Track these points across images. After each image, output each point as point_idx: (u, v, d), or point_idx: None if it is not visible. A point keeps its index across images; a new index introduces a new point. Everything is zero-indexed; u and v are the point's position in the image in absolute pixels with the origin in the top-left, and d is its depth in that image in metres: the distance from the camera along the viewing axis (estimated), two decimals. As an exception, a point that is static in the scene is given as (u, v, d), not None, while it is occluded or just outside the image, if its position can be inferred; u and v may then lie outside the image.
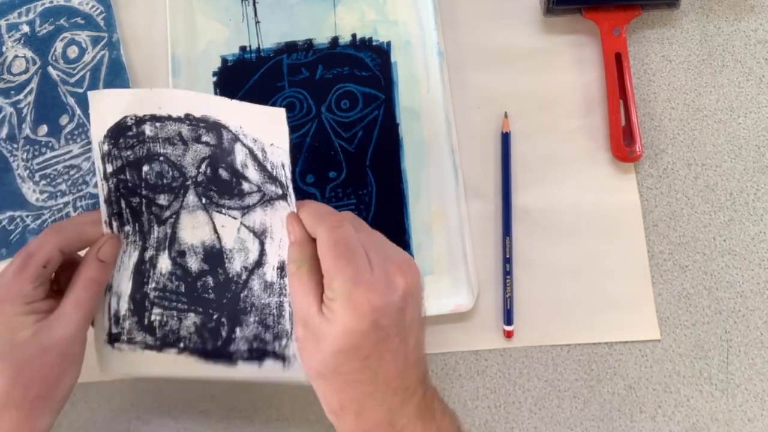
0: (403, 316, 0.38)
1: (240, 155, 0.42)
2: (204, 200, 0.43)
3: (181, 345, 0.44)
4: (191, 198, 0.44)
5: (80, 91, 0.56)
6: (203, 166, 0.43)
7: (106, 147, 0.43)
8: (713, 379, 0.51)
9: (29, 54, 0.57)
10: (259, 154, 0.42)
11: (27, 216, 0.55)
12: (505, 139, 0.54)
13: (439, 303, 0.51)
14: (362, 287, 0.36)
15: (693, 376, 0.51)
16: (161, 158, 0.43)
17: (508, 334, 0.52)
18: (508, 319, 0.52)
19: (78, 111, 0.56)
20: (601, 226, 0.53)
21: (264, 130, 0.41)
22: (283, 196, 0.42)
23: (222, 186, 0.43)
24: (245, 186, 0.43)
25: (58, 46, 0.57)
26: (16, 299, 0.40)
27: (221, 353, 0.43)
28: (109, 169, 0.43)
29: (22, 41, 0.57)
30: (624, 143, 0.54)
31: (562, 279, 0.53)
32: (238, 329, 0.43)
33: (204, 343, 0.44)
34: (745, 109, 0.56)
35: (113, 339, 0.44)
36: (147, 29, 0.57)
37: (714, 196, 0.54)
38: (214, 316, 0.43)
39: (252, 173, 0.42)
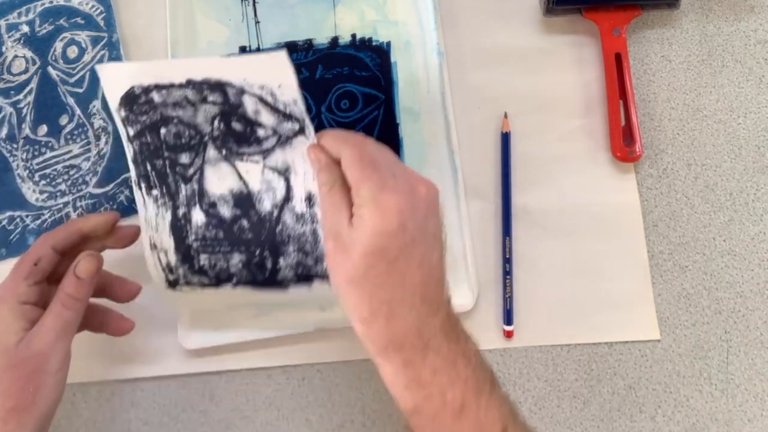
0: (427, 224, 0.39)
1: (250, 105, 0.43)
2: (224, 152, 0.45)
3: (235, 280, 0.46)
4: (211, 152, 0.45)
5: (80, 91, 0.56)
6: (216, 122, 0.44)
7: (123, 113, 0.45)
8: (713, 379, 0.51)
9: (29, 54, 0.57)
10: (269, 99, 0.43)
11: (27, 216, 0.55)
12: (505, 139, 0.54)
13: (439, 303, 0.51)
14: (388, 191, 0.38)
15: (693, 376, 0.51)
16: (175, 120, 0.45)
17: (508, 334, 0.52)
18: (508, 319, 0.52)
19: (78, 111, 0.56)
20: (601, 226, 0.53)
21: (269, 75, 0.42)
22: (301, 131, 0.43)
23: (238, 137, 0.44)
24: (260, 132, 0.44)
25: (58, 46, 0.57)
26: (11, 298, 0.42)
27: (272, 282, 0.46)
28: (131, 132, 0.45)
29: (22, 41, 0.57)
30: (624, 143, 0.54)
31: (561, 279, 0.53)
32: (281, 260, 0.46)
33: (254, 276, 0.46)
34: (745, 109, 0.56)
35: (173, 284, 0.47)
36: (147, 29, 0.57)
37: (714, 196, 0.54)
38: (256, 252, 0.46)
39: (266, 118, 0.44)
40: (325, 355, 0.52)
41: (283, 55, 0.41)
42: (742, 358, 0.51)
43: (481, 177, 0.54)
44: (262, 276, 0.46)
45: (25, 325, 0.42)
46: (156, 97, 0.44)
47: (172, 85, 0.44)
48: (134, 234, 0.48)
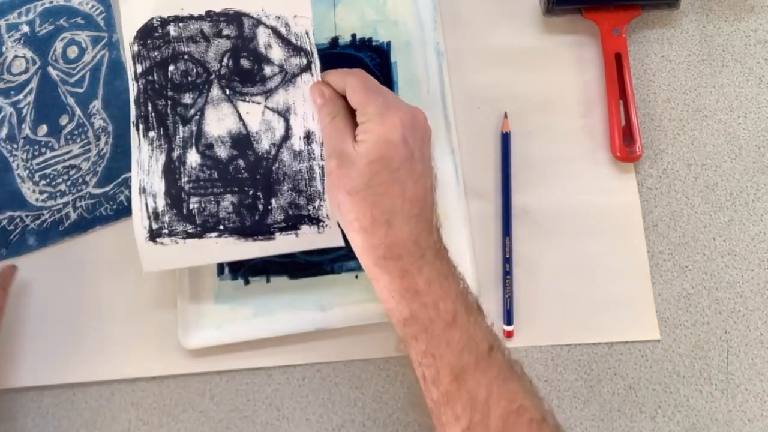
0: (424, 148, 0.43)
1: (263, 38, 0.46)
2: (228, 92, 0.47)
3: (221, 227, 0.46)
4: (215, 92, 0.47)
5: (80, 91, 0.56)
6: (225, 59, 0.47)
7: (135, 48, 0.47)
8: (713, 379, 0.51)
9: (29, 54, 0.57)
10: (283, 30, 0.46)
11: (27, 216, 0.55)
12: (505, 139, 0.54)
13: (439, 303, 0.51)
14: (392, 108, 0.42)
15: (693, 376, 0.51)
16: (185, 56, 0.47)
17: (508, 334, 0.52)
18: (508, 319, 0.52)
19: (78, 111, 0.56)
20: (601, 227, 0.53)
21: (286, 4, 0.46)
22: (307, 67, 0.46)
23: (244, 75, 0.47)
24: (267, 70, 0.46)
25: (58, 46, 0.57)
26: None
27: (259, 228, 0.46)
28: (139, 69, 0.47)
29: (22, 41, 0.57)
30: (624, 143, 0.54)
31: (562, 279, 0.53)
32: (273, 200, 0.46)
33: (243, 220, 0.46)
34: (745, 109, 0.56)
35: (154, 235, 0.47)
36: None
37: (714, 196, 0.54)
38: (250, 192, 0.46)
39: (275, 52, 0.46)
40: (325, 355, 0.52)
41: None
42: (742, 358, 0.51)
43: (481, 177, 0.54)
44: (251, 220, 0.46)
45: None
46: (172, 30, 0.47)
47: (191, 17, 0.47)
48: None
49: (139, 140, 0.47)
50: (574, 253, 0.53)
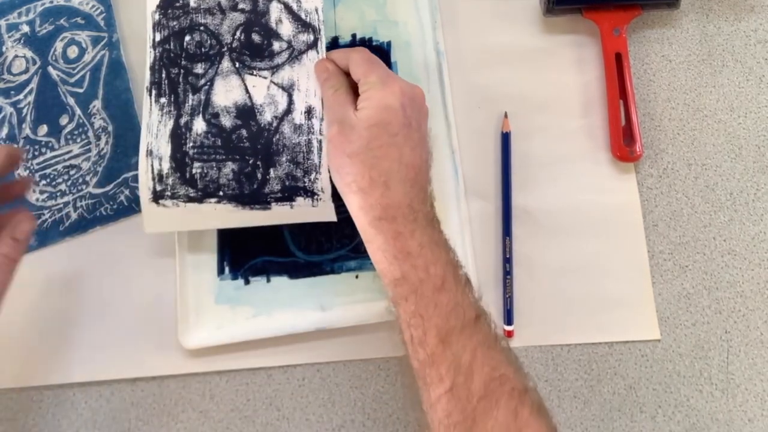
0: (421, 119, 0.45)
1: (275, 13, 0.50)
2: (237, 65, 0.49)
3: (221, 193, 0.48)
4: (225, 64, 0.49)
5: (80, 91, 0.56)
6: (238, 33, 0.50)
7: (156, 17, 0.51)
8: (713, 379, 0.51)
9: (29, 54, 0.57)
10: (294, 5, 0.50)
11: (27, 216, 0.54)
12: (505, 139, 0.54)
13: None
14: (392, 78, 0.45)
15: (693, 376, 0.51)
16: (201, 28, 0.50)
17: (508, 334, 0.52)
18: (508, 319, 0.52)
19: (78, 111, 0.56)
20: (601, 226, 0.53)
21: None
22: (314, 44, 0.49)
23: (254, 49, 0.50)
24: (276, 46, 0.49)
25: (58, 46, 0.57)
26: None
27: (257, 197, 0.48)
28: (158, 38, 0.50)
29: (22, 41, 0.57)
30: (624, 143, 0.54)
31: (562, 279, 0.53)
32: (272, 170, 0.48)
33: (241, 187, 0.48)
34: (745, 109, 0.56)
35: (158, 197, 0.49)
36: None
37: (714, 196, 0.54)
38: (250, 161, 0.48)
39: (285, 28, 0.50)
40: (325, 355, 0.52)
41: None
42: (742, 358, 0.51)
43: (481, 177, 0.54)
44: (250, 188, 0.48)
45: None
46: (192, 1, 0.50)
47: None
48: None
49: (151, 105, 0.50)
50: (573, 253, 0.53)
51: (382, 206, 0.42)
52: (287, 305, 0.52)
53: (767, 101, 0.56)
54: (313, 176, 0.48)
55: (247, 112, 0.49)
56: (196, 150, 0.49)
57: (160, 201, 0.48)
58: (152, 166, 0.49)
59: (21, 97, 0.56)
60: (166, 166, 0.49)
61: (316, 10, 0.50)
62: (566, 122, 0.55)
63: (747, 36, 0.57)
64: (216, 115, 0.49)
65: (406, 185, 0.42)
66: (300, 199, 0.48)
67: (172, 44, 0.50)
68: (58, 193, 0.55)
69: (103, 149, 0.55)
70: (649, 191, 0.54)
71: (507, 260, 0.52)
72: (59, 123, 0.56)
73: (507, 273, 0.52)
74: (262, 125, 0.49)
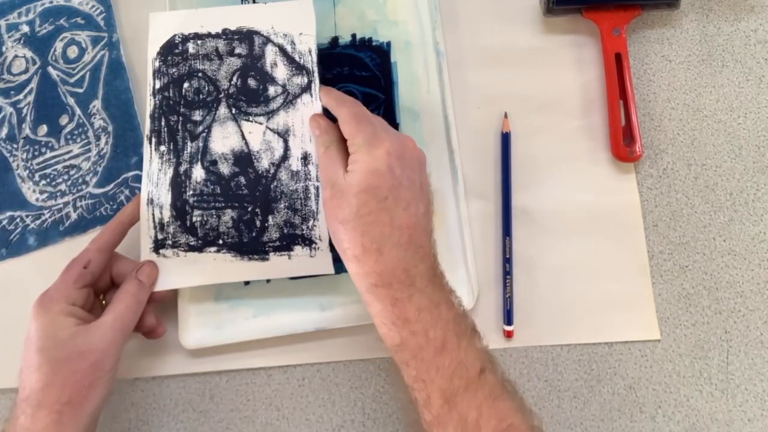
0: (414, 176, 0.44)
1: (270, 56, 0.50)
2: (233, 111, 0.50)
3: (220, 242, 0.49)
4: (222, 110, 0.50)
5: (80, 91, 0.56)
6: (234, 78, 0.50)
7: (156, 64, 0.51)
8: (713, 379, 0.51)
9: (29, 54, 0.57)
10: (288, 48, 0.50)
11: (27, 216, 0.55)
12: (505, 139, 0.54)
13: (439, 303, 0.51)
14: (379, 138, 0.43)
15: (693, 376, 0.51)
16: (200, 74, 0.50)
17: (508, 334, 0.52)
18: (508, 319, 0.52)
19: (78, 111, 0.56)
20: (601, 226, 0.53)
21: (293, 22, 0.50)
22: (308, 87, 0.49)
23: (250, 95, 0.50)
24: (271, 90, 0.50)
25: (58, 46, 0.57)
26: (60, 299, 0.44)
27: (255, 246, 0.48)
28: (158, 85, 0.51)
29: (22, 41, 0.57)
30: (624, 143, 0.54)
31: (561, 279, 0.53)
32: (270, 217, 0.48)
33: (240, 235, 0.49)
34: (745, 109, 0.56)
35: (158, 246, 0.49)
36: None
37: (714, 196, 0.54)
38: (249, 208, 0.49)
39: (280, 71, 0.50)
40: (325, 355, 0.52)
41: (308, 2, 0.50)
42: (742, 358, 0.51)
43: (481, 177, 0.54)
44: (249, 236, 0.48)
45: (76, 322, 0.43)
46: (191, 47, 0.51)
47: (208, 35, 0.51)
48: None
49: (151, 153, 0.50)
50: (574, 253, 0.53)
51: (377, 273, 0.41)
52: (287, 305, 0.52)
53: (767, 101, 0.56)
54: (311, 223, 0.48)
55: (244, 159, 0.49)
56: (195, 198, 0.49)
57: (161, 251, 0.49)
58: (153, 214, 0.49)
59: (21, 97, 0.56)
60: (166, 214, 0.49)
61: (310, 51, 0.50)
62: (566, 122, 0.55)
63: (747, 36, 0.57)
64: (214, 162, 0.49)
65: (400, 249, 0.42)
66: (298, 249, 0.48)
67: (171, 91, 0.50)
68: (58, 193, 0.55)
69: (103, 149, 0.55)
70: (649, 191, 0.54)
71: (507, 260, 0.52)
72: (59, 123, 0.56)
73: (507, 273, 0.52)
74: (260, 172, 0.49)
